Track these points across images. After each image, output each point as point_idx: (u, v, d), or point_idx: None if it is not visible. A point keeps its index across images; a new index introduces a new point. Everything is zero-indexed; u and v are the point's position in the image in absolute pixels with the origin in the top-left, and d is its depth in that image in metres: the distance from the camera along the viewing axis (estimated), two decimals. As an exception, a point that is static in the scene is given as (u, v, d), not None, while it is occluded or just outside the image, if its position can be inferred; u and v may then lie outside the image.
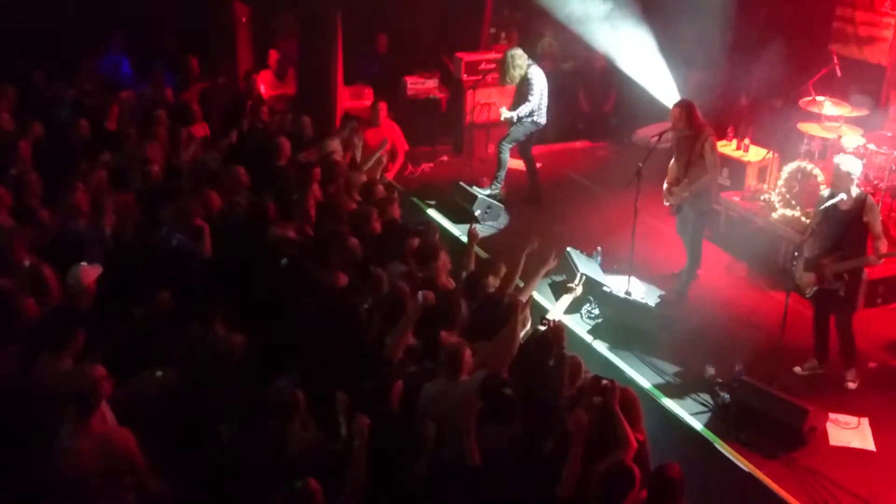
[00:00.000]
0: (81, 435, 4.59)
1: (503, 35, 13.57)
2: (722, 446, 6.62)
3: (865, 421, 6.89)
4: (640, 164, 8.16)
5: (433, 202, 10.68)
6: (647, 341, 7.80)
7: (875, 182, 8.92)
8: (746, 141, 10.14)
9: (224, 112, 10.56)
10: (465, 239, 9.58)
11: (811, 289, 7.15)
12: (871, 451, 6.63)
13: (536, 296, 7.95)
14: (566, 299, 7.83)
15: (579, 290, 8.05)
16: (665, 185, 8.45)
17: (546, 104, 10.53)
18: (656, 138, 8.43)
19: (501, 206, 10.42)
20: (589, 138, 12.96)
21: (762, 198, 9.58)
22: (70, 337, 5.29)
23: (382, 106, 10.48)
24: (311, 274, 6.78)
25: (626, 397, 5.48)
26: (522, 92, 10.52)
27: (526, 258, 7.34)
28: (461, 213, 10.27)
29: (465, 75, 11.98)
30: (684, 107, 8.16)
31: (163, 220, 7.25)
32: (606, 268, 8.86)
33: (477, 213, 10.21)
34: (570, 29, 11.90)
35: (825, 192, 7.24)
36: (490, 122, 11.89)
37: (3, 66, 10.30)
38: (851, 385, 7.23)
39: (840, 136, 9.33)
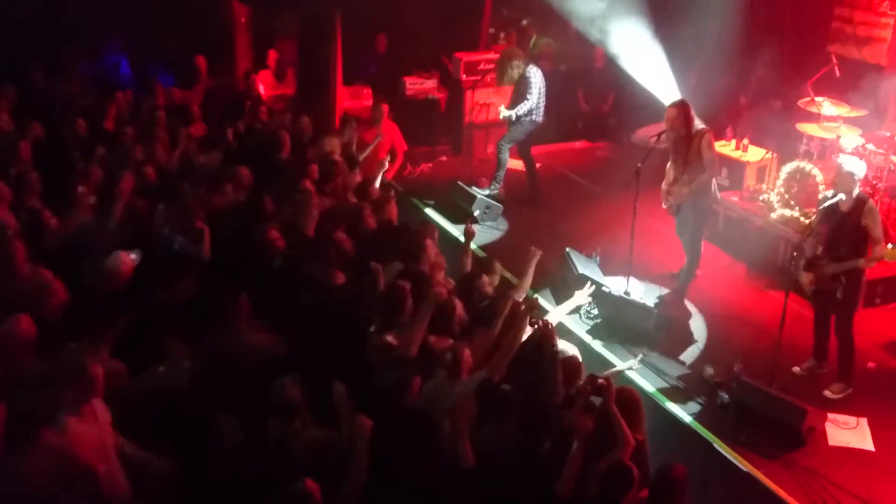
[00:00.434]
0: (31, 449, 4.54)
1: (502, 35, 13.59)
2: (721, 446, 6.62)
3: (864, 421, 6.90)
4: (639, 165, 8.17)
5: (432, 202, 10.69)
6: (645, 341, 7.80)
7: (874, 182, 8.92)
8: (745, 141, 10.15)
9: (223, 112, 10.56)
10: (462, 239, 9.65)
11: (810, 289, 7.16)
12: (870, 451, 6.63)
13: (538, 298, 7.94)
14: (570, 304, 7.80)
15: (586, 300, 7.98)
16: (664, 187, 8.46)
17: (544, 103, 10.55)
18: (655, 138, 8.44)
19: (500, 206, 10.43)
20: (588, 138, 12.98)
21: (761, 198, 9.59)
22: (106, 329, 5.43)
23: (384, 107, 10.49)
24: (308, 273, 6.78)
25: (627, 397, 5.49)
26: (521, 91, 10.54)
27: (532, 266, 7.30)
28: (460, 214, 10.28)
29: (465, 75, 12.01)
30: (680, 107, 8.16)
31: (163, 222, 7.26)
32: (605, 268, 8.87)
33: (476, 213, 10.23)
34: (569, 29, 11.97)
35: (828, 192, 7.24)
36: (489, 122, 11.92)
37: (3, 66, 10.29)
38: (830, 395, 7.16)
39: (839, 137, 9.35)
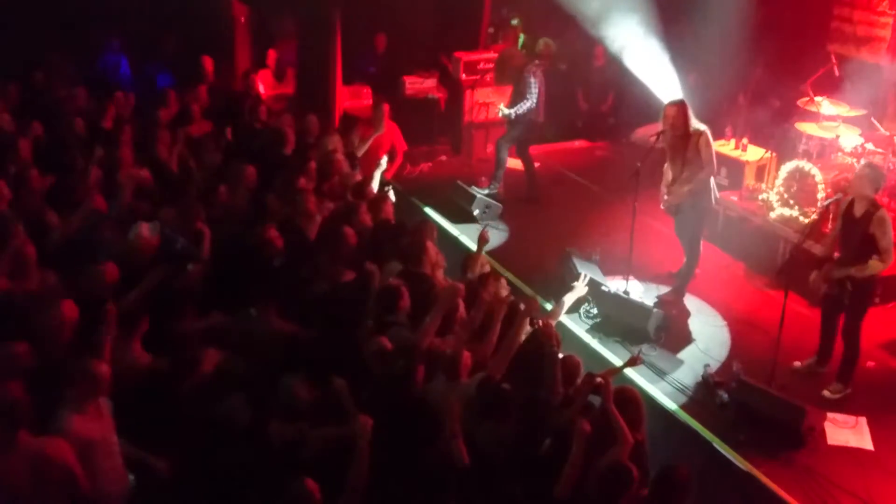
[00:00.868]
0: (7, 452, 4.53)
1: (501, 35, 13.58)
2: (720, 446, 6.63)
3: (863, 420, 6.91)
4: (639, 164, 8.18)
5: (432, 202, 10.69)
6: (645, 341, 7.81)
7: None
8: (745, 140, 10.16)
9: (222, 112, 10.53)
10: (463, 238, 9.67)
11: (821, 289, 7.14)
12: (869, 451, 6.65)
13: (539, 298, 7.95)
14: (569, 298, 7.81)
15: (583, 290, 8.00)
16: (662, 188, 8.46)
17: (543, 102, 10.55)
18: (655, 138, 8.44)
19: (499, 205, 10.43)
20: (587, 138, 12.98)
21: (760, 197, 9.59)
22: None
23: (385, 107, 10.49)
24: (317, 269, 6.82)
25: (626, 396, 5.50)
26: (520, 90, 10.55)
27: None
28: (460, 213, 10.28)
29: (464, 75, 12.00)
30: (679, 106, 8.16)
31: (164, 222, 7.26)
32: (605, 267, 8.88)
33: (475, 212, 10.23)
34: (568, 28, 11.97)
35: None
36: (488, 121, 11.92)
37: (4, 65, 10.28)
38: (828, 395, 7.17)
39: (838, 136, 9.35)
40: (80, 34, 11.34)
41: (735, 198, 9.83)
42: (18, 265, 6.18)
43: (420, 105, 12.26)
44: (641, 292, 8.59)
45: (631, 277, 8.61)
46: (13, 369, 4.96)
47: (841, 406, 7.07)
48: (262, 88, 11.84)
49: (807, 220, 8.90)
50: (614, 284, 8.48)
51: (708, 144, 8.18)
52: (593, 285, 8.28)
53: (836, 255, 7.13)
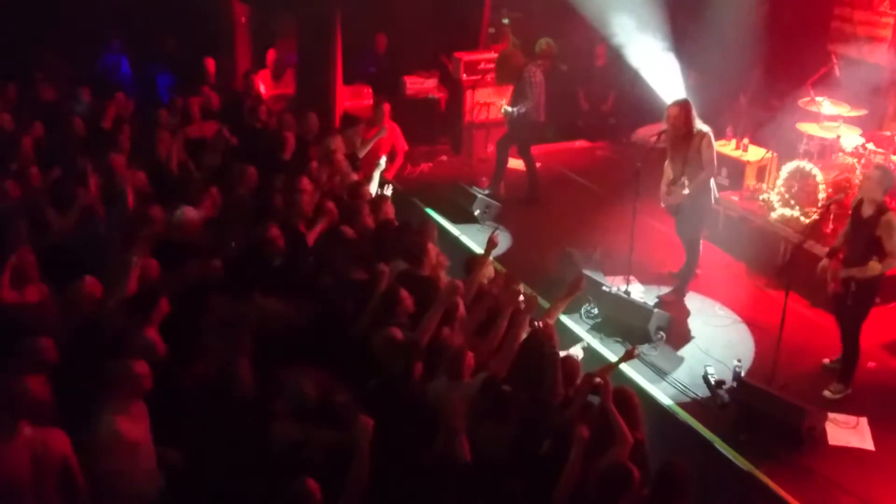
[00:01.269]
0: (10, 440, 4.59)
1: (500, 35, 13.57)
2: (721, 446, 6.62)
3: (864, 420, 6.90)
4: (639, 164, 8.17)
5: (432, 202, 10.68)
6: (646, 341, 7.80)
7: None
8: (745, 140, 10.15)
9: (222, 112, 10.54)
10: (464, 239, 9.66)
11: (830, 287, 7.13)
12: (870, 451, 6.64)
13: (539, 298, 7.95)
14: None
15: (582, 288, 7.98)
16: (662, 188, 8.45)
17: (544, 102, 10.55)
18: (655, 138, 8.44)
19: (500, 205, 10.43)
20: (588, 138, 12.97)
21: (761, 197, 9.58)
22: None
23: (386, 107, 10.49)
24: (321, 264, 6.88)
25: (625, 397, 5.50)
26: (521, 90, 10.54)
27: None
28: (460, 213, 10.28)
29: (465, 75, 12.01)
30: (682, 106, 8.15)
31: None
32: (605, 267, 8.87)
33: (476, 212, 10.22)
34: (568, 28, 11.98)
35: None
36: (489, 121, 11.92)
37: (4, 65, 10.29)
38: (829, 395, 7.17)
39: (838, 136, 9.35)
40: (81, 34, 11.34)
41: (736, 198, 9.82)
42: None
43: (420, 105, 12.27)
44: (642, 292, 8.59)
45: (632, 277, 8.61)
46: (36, 364, 5.00)
47: (842, 406, 7.06)
48: (262, 88, 11.85)
49: (807, 221, 8.89)
50: (615, 284, 8.47)
51: (710, 146, 8.17)
52: (594, 285, 8.29)
53: (840, 255, 7.13)
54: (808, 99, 9.61)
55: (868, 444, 6.70)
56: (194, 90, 10.63)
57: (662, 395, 7.23)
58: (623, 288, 8.43)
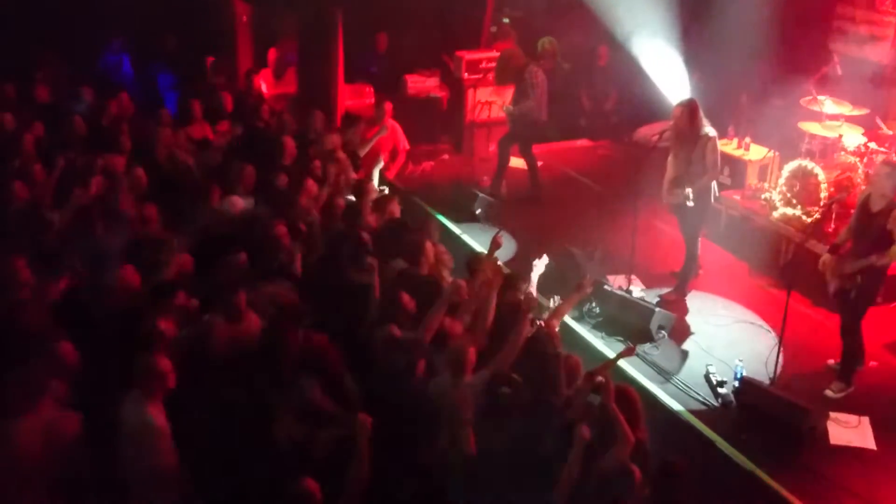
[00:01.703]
0: (23, 420, 4.67)
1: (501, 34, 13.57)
2: (723, 445, 6.62)
3: (866, 420, 6.89)
4: (641, 164, 8.16)
5: (434, 201, 10.67)
6: (647, 340, 7.79)
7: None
8: (747, 139, 10.15)
9: (223, 111, 10.53)
10: (464, 238, 9.65)
11: (833, 284, 7.13)
12: (872, 450, 6.63)
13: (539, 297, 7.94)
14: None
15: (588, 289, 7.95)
16: (665, 183, 8.44)
17: (546, 102, 10.54)
18: (657, 137, 8.43)
19: (501, 204, 10.41)
20: (590, 137, 12.97)
21: (763, 197, 9.57)
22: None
23: (388, 106, 10.48)
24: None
25: (626, 396, 5.49)
26: (523, 89, 10.54)
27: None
28: (462, 212, 10.27)
29: (466, 74, 12.00)
30: (688, 106, 8.14)
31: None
32: (607, 266, 8.86)
33: (477, 211, 10.22)
34: (567, 27, 11.98)
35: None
36: (491, 120, 11.90)
37: (3, 65, 10.29)
38: (830, 394, 7.17)
39: (840, 136, 9.33)
40: (81, 34, 11.34)
41: (738, 197, 9.81)
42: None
43: (422, 104, 12.28)
44: (643, 291, 8.58)
45: (633, 277, 8.60)
46: (58, 369, 5.03)
47: (843, 406, 7.05)
48: (264, 87, 11.85)
49: (809, 220, 8.89)
50: (616, 283, 8.45)
51: (714, 150, 8.16)
52: (595, 284, 8.27)
53: (842, 251, 7.11)
54: (810, 98, 9.60)
55: (870, 443, 6.69)
56: (203, 90, 10.63)
57: (664, 394, 7.22)
58: (625, 287, 8.41)
